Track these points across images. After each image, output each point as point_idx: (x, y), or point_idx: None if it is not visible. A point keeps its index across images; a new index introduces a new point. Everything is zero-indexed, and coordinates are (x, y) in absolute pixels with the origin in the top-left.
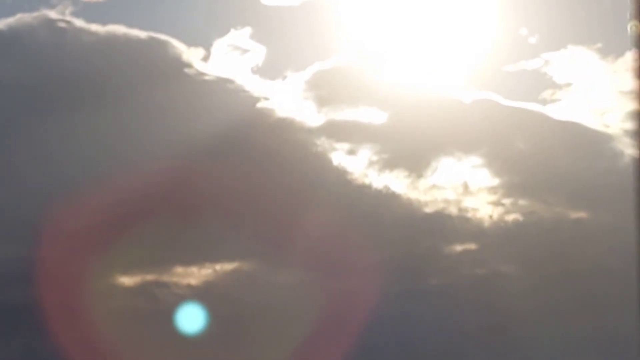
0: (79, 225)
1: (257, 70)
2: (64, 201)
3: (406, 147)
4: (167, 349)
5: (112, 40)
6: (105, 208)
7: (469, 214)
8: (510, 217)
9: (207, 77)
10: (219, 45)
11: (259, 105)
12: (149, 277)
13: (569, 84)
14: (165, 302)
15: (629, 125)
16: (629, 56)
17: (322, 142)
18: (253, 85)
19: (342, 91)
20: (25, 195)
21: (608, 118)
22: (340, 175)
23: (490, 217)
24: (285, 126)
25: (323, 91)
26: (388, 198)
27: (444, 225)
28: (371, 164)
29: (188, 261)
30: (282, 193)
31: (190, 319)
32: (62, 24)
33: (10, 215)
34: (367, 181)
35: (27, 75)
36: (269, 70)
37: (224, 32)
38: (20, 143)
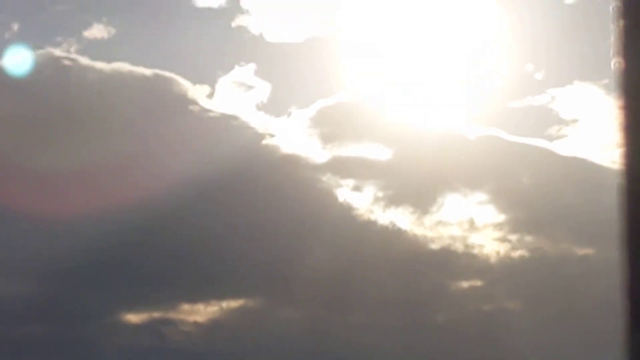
0: (83, 261)
1: (262, 107)
2: (67, 236)
3: (411, 183)
4: None
5: (117, 78)
6: (110, 243)
7: (475, 250)
8: (517, 253)
9: (212, 114)
10: (224, 82)
11: (264, 141)
12: (155, 314)
13: (575, 120)
14: (171, 339)
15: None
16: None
17: (327, 179)
18: (258, 121)
19: (346, 128)
20: (28, 228)
21: (614, 154)
22: (346, 211)
23: (497, 253)
24: (291, 163)
25: (328, 128)
26: (394, 234)
27: (450, 262)
28: (376, 200)
29: (194, 298)
30: (287, 229)
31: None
32: (66, 62)
33: (14, 251)
34: (372, 217)
35: (31, 111)
36: (274, 106)
37: (228, 68)
38: (26, 178)
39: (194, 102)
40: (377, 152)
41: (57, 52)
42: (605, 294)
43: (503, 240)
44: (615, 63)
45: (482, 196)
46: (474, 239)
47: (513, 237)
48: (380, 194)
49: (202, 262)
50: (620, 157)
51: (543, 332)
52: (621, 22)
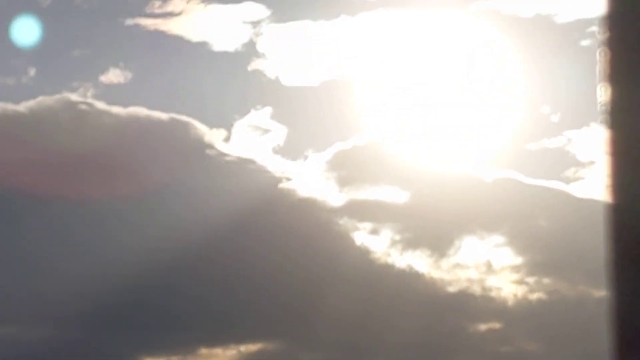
0: (101, 305)
1: (279, 150)
2: (86, 280)
3: (428, 226)
4: None
5: (133, 122)
6: (128, 287)
7: (493, 293)
8: (534, 296)
9: (228, 158)
10: (240, 125)
11: (281, 185)
12: (174, 358)
13: (592, 162)
14: None
15: None
16: None
17: (344, 222)
18: (274, 165)
19: (363, 171)
20: (43, 274)
21: None
22: (363, 254)
23: (514, 295)
24: (307, 206)
25: (344, 171)
26: (411, 277)
27: (468, 304)
28: (394, 243)
29: (213, 342)
30: (305, 273)
31: None
32: (83, 107)
33: (33, 297)
34: (390, 261)
35: (48, 156)
36: (290, 150)
37: (244, 112)
38: (41, 224)
39: (211, 146)
40: (394, 195)
41: (74, 96)
42: None
43: (520, 282)
44: (601, 88)
45: (499, 239)
46: (491, 281)
47: (530, 280)
48: (397, 237)
49: (220, 306)
50: (608, 189)
51: None
52: (608, 54)
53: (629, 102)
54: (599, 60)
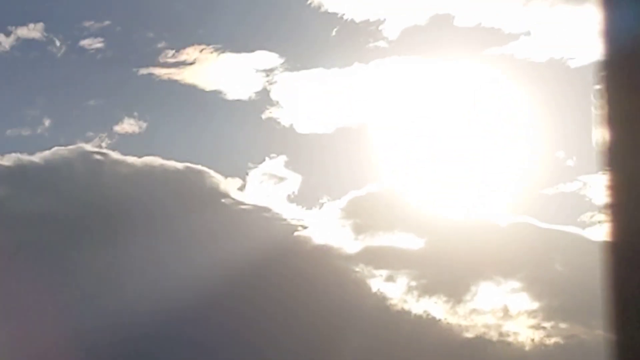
0: (123, 353)
1: (294, 199)
2: (95, 332)
3: (444, 272)
4: None
5: (148, 171)
6: (140, 338)
7: (510, 338)
8: (551, 341)
9: (244, 207)
10: (255, 174)
11: (297, 233)
12: None
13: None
14: None
15: None
16: None
17: (360, 269)
18: (290, 213)
19: (378, 218)
20: (64, 326)
21: None
22: (380, 301)
23: (532, 340)
24: (323, 253)
25: (359, 218)
26: (428, 323)
27: (485, 350)
28: (410, 289)
29: None
30: (321, 320)
31: None
32: (98, 157)
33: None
34: (406, 307)
35: (64, 207)
36: (305, 198)
37: (259, 160)
38: (58, 275)
39: (226, 195)
40: (410, 242)
41: (89, 147)
42: None
43: (537, 327)
44: (596, 135)
45: (515, 284)
46: (508, 326)
47: (547, 325)
48: (414, 284)
49: (236, 353)
50: (607, 228)
51: None
52: (605, 96)
53: (627, 143)
54: (595, 104)
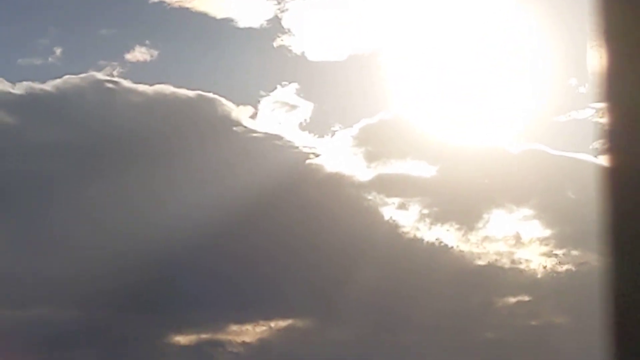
0: (130, 284)
1: (305, 126)
2: (112, 261)
3: (457, 199)
4: None
5: (160, 100)
6: (157, 266)
7: (522, 266)
8: (563, 268)
9: (255, 135)
10: (267, 102)
11: (309, 161)
12: (204, 336)
13: None
14: None
15: None
16: None
17: (372, 197)
18: (301, 141)
19: (390, 146)
20: (73, 255)
21: None
22: (392, 229)
23: (544, 268)
24: (335, 181)
25: (372, 146)
26: (440, 251)
27: (497, 277)
28: (422, 217)
29: (242, 319)
30: (333, 248)
31: None
32: (109, 85)
33: (62, 278)
34: (418, 235)
35: (74, 136)
36: (317, 125)
37: (271, 88)
38: (70, 204)
39: (238, 123)
40: (422, 170)
41: (100, 75)
42: None
43: (549, 255)
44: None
45: (527, 211)
46: (520, 254)
47: (560, 252)
48: (426, 211)
49: (249, 283)
50: (605, 154)
51: (592, 347)
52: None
53: (625, 66)
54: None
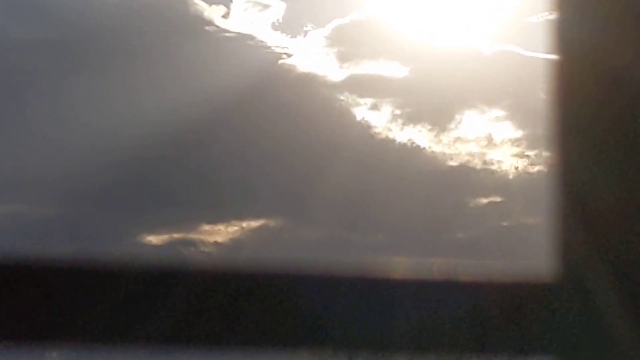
0: (102, 183)
1: (278, 26)
2: (85, 158)
3: (429, 100)
4: None
5: None
6: (129, 166)
7: (494, 166)
8: (535, 169)
9: (227, 34)
10: (239, 1)
11: (281, 61)
12: (176, 235)
13: None
14: (192, 259)
15: None
16: None
17: (345, 97)
18: (274, 41)
19: (363, 46)
20: (49, 152)
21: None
22: (364, 129)
23: (516, 169)
24: (308, 82)
25: (344, 46)
26: (412, 152)
27: (469, 178)
28: (394, 117)
29: (214, 219)
30: (305, 149)
31: None
32: None
33: (36, 175)
34: (390, 135)
35: (52, 31)
36: (290, 25)
37: None
38: (39, 100)
39: (210, 23)
40: (394, 70)
41: None
42: None
43: (521, 156)
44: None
45: (499, 112)
46: (492, 155)
47: (531, 153)
48: (398, 112)
49: (220, 183)
50: (552, 42)
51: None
52: None
53: None
54: None
